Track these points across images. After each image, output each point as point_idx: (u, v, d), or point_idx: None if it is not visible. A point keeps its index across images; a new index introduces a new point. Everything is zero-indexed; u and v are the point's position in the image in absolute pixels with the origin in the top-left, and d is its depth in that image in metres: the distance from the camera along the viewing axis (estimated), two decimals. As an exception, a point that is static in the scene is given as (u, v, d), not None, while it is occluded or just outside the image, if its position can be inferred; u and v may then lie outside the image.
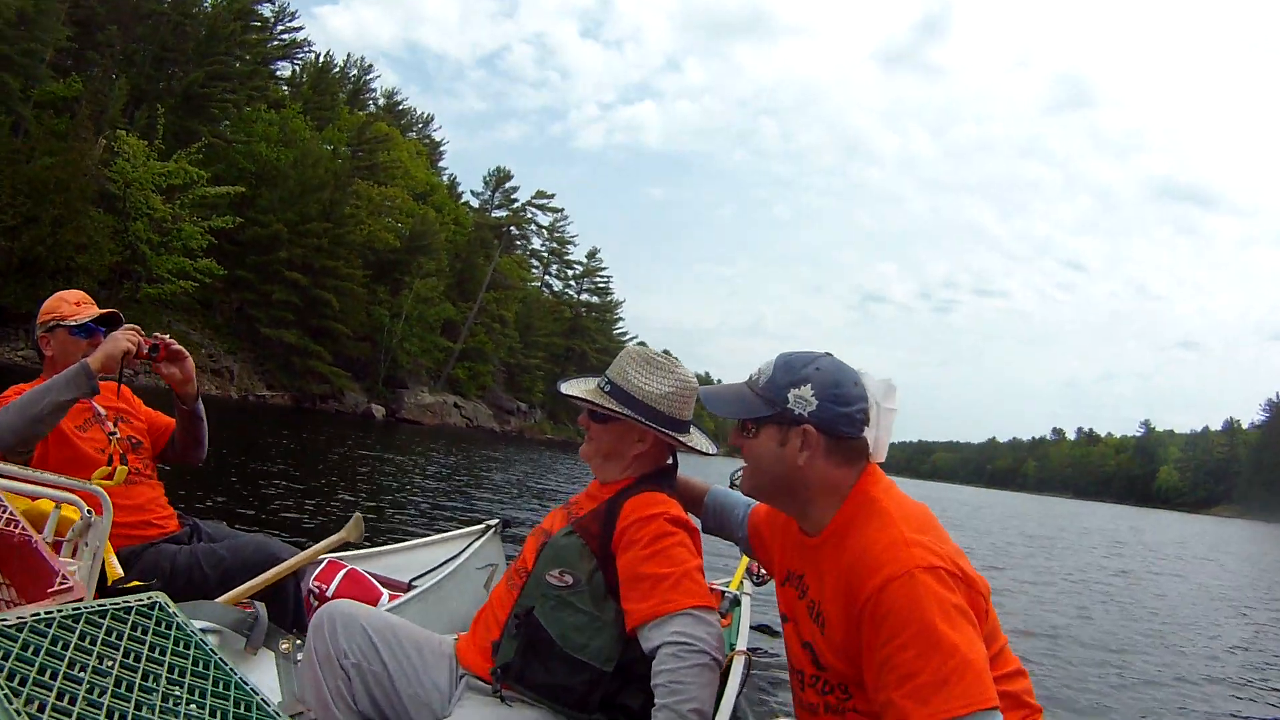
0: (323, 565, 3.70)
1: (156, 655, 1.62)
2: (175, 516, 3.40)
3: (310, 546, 3.27)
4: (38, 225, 29.75)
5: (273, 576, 3.04)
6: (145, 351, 3.02)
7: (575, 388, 2.48)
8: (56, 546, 2.31)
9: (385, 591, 3.92)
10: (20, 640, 1.38)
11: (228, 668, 1.70)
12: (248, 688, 1.69)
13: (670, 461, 2.54)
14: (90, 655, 1.48)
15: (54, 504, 2.39)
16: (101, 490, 2.43)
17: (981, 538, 22.55)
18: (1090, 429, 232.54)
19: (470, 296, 61.75)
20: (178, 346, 3.14)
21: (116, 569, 2.73)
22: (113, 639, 1.56)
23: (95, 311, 3.29)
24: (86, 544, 2.36)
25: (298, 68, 56.96)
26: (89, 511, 2.37)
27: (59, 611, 1.50)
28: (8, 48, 31.04)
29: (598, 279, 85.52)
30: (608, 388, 2.41)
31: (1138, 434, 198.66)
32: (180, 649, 1.70)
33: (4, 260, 30.12)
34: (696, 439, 2.48)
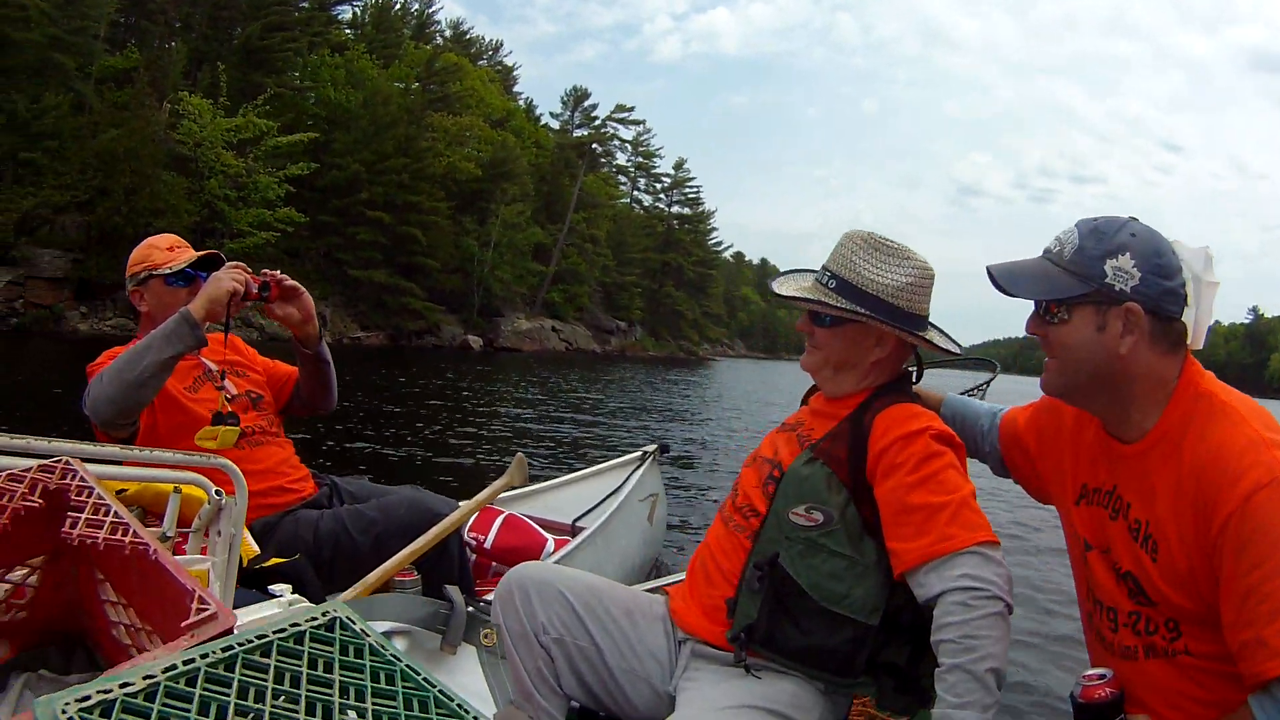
0: (477, 514, 3.33)
1: (323, 674, 1.17)
2: (310, 477, 3.10)
3: (466, 498, 2.98)
4: (110, 196, 29.98)
5: (434, 538, 2.75)
6: (255, 291, 2.71)
7: (790, 285, 2.15)
8: (181, 541, 2.01)
9: (550, 537, 3.72)
10: (155, 712, 0.94)
11: (420, 678, 1.28)
12: (453, 704, 1.27)
13: (909, 367, 2.23)
14: (248, 698, 1.03)
15: (172, 486, 2.00)
16: (231, 464, 2.05)
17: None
18: None
19: (558, 219, 61.57)
20: (291, 282, 2.84)
21: (252, 546, 2.36)
22: (284, 684, 1.10)
23: (192, 255, 2.96)
24: (219, 533, 2.00)
25: (358, 9, 56.63)
26: (217, 492, 1.99)
27: (203, 658, 1.03)
28: (58, 29, 31.09)
29: (687, 189, 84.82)
30: (833, 284, 2.06)
31: (1246, 321, 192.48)
32: (358, 660, 1.26)
33: (82, 235, 30.57)
34: (937, 337, 2.16)
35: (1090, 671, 1.65)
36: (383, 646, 1.31)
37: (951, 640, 1.73)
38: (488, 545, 3.54)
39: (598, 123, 74.30)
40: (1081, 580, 1.85)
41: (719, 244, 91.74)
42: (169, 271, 2.88)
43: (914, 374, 2.25)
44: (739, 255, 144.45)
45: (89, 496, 1.34)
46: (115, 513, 1.32)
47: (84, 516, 1.29)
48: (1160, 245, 1.63)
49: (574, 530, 3.99)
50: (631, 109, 75.43)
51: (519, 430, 12.35)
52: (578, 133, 72.24)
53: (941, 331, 2.18)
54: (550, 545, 3.63)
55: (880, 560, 1.90)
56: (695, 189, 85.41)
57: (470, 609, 2.49)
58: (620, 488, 4.48)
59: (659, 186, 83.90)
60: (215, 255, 2.98)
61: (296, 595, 1.98)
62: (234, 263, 2.72)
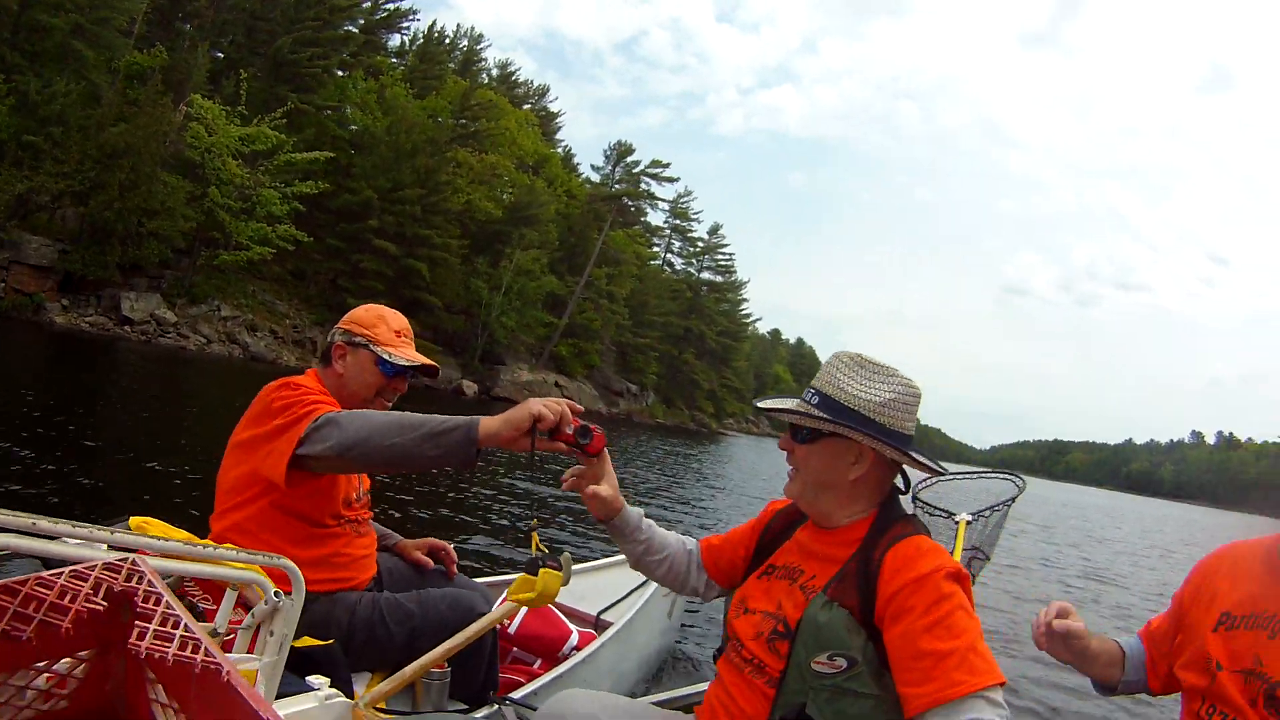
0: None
1: None
2: (375, 566, 3.13)
3: (489, 574, 3.18)
4: (105, 190, 30.16)
5: (471, 637, 2.71)
6: (569, 433, 2.33)
7: (775, 403, 2.24)
8: (229, 639, 2.01)
9: (574, 629, 3.74)
10: None
11: None
12: None
13: (899, 486, 2.28)
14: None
15: (229, 584, 2.03)
16: (293, 566, 2.04)
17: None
18: (1231, 433, 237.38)
19: (579, 272, 61.59)
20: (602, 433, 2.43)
21: None
22: None
23: (414, 354, 3.01)
24: (272, 633, 2.00)
25: (406, 37, 57.58)
26: (276, 593, 1.99)
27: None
28: (81, 17, 31.59)
29: (719, 256, 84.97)
30: (815, 399, 2.15)
31: None
32: None
33: (75, 226, 30.81)
34: (921, 456, 2.20)
35: None
36: None
37: None
38: (511, 630, 3.58)
39: (634, 175, 74.55)
40: (1196, 679, 2.00)
41: (748, 315, 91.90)
42: (390, 360, 2.90)
43: (902, 492, 2.28)
44: (776, 332, 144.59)
45: (156, 604, 1.30)
46: (186, 625, 1.27)
47: (152, 628, 1.23)
48: None
49: (598, 624, 4.05)
50: (668, 165, 75.51)
51: (517, 502, 11.75)
52: (615, 188, 72.56)
53: (923, 456, 2.21)
54: (574, 639, 3.65)
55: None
56: (728, 256, 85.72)
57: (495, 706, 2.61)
58: (646, 583, 4.48)
59: (692, 250, 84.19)
60: (434, 369, 3.04)
61: (333, 690, 2.12)
62: (565, 400, 2.39)
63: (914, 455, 2.15)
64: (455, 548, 3.53)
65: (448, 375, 47.22)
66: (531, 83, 77.66)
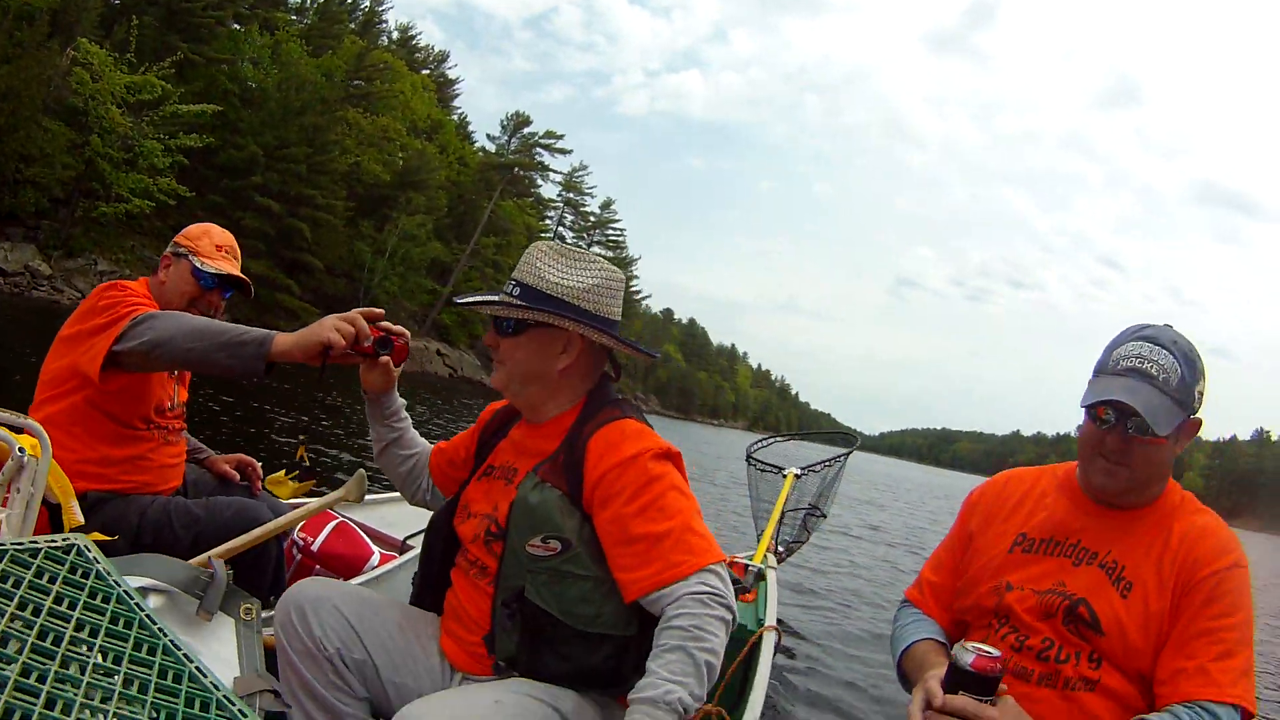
0: (333, 525, 3.65)
1: (64, 609, 1.39)
2: (182, 476, 3.26)
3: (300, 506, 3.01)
4: (-20, 135, 29.12)
5: (250, 541, 2.77)
6: (368, 345, 2.34)
7: (474, 297, 2.17)
8: None
9: (377, 550, 3.76)
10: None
11: (155, 627, 1.51)
12: (179, 653, 1.49)
13: (609, 373, 2.25)
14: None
15: None
16: (39, 426, 2.22)
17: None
18: None
19: (468, 240, 61.32)
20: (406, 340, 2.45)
21: (77, 516, 2.38)
22: (8, 585, 1.34)
23: (234, 269, 3.14)
24: (19, 489, 2.08)
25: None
26: (21, 450, 2.10)
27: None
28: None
29: (610, 231, 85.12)
30: (517, 291, 2.08)
31: None
32: (98, 602, 1.49)
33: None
34: (631, 341, 2.20)
35: (984, 646, 1.68)
36: (128, 593, 1.52)
37: (681, 628, 1.79)
38: (315, 549, 3.56)
39: (529, 145, 74.02)
40: (1029, 613, 1.98)
41: (639, 293, 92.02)
42: (205, 270, 3.03)
43: (613, 379, 2.25)
44: (668, 312, 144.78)
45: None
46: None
47: None
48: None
49: (402, 547, 3.98)
50: (561, 136, 74.98)
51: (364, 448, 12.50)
52: (509, 158, 71.79)
53: (633, 342, 2.20)
54: (375, 559, 3.65)
55: None
56: (619, 231, 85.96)
57: (233, 586, 2.49)
58: None
59: (584, 225, 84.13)
60: (248, 284, 3.16)
61: None
62: (366, 310, 2.39)
63: (623, 340, 2.13)
64: (270, 466, 3.67)
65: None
66: (431, 48, 76.53)
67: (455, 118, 72.19)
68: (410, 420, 2.56)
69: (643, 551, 1.89)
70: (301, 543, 3.57)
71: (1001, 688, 1.67)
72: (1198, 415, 1.97)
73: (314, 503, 3.00)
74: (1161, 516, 1.98)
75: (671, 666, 1.74)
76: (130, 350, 2.56)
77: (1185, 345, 1.96)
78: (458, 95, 77.74)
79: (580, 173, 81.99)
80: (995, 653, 1.65)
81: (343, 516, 3.76)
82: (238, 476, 3.49)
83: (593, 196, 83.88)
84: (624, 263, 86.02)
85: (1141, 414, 1.84)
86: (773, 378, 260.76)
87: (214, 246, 3.10)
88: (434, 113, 64.06)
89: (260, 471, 3.56)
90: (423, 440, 2.59)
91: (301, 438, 3.81)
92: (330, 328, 2.31)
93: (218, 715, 1.40)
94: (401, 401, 2.52)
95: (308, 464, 3.32)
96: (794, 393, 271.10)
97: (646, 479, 1.94)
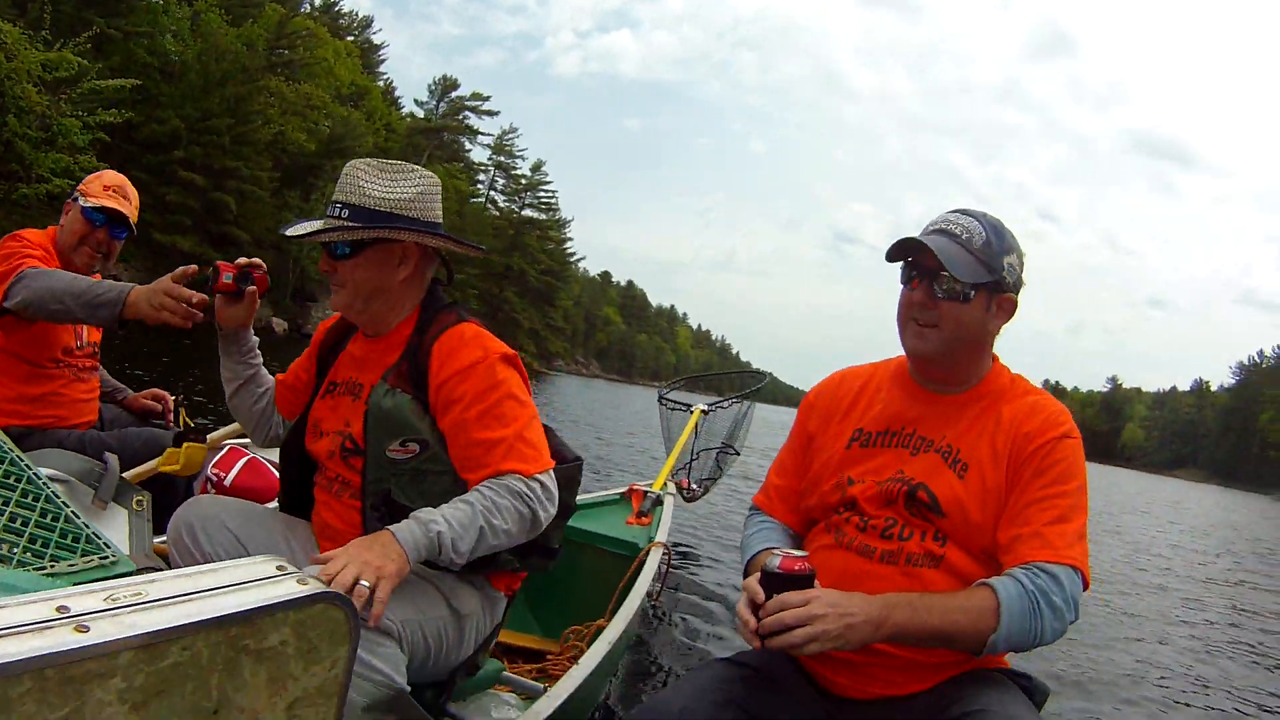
0: (224, 452, 3.67)
1: None
2: (97, 411, 3.44)
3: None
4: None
5: (154, 467, 2.92)
6: (229, 282, 2.35)
7: (302, 227, 2.17)
8: None
9: None
10: None
11: (59, 500, 1.65)
12: (79, 520, 1.63)
13: (439, 277, 2.34)
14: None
15: None
16: None
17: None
18: (1057, 381, 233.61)
19: (396, 207, 59.73)
20: (264, 269, 2.47)
21: None
22: None
23: (122, 207, 3.24)
24: None
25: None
26: None
27: None
28: None
29: (541, 193, 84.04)
30: (345, 213, 2.10)
31: (1104, 390, 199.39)
32: (10, 482, 1.66)
33: None
34: (459, 238, 2.29)
35: (791, 550, 1.76)
36: (36, 475, 1.69)
37: (483, 495, 1.95)
38: (227, 483, 3.60)
39: (457, 108, 73.62)
40: (831, 499, 2.04)
41: (573, 254, 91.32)
42: (86, 204, 3.17)
43: (444, 283, 2.34)
44: (606, 274, 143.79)
45: None
46: None
47: None
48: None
49: None
50: (488, 98, 74.98)
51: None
52: (437, 122, 71.48)
53: (459, 238, 2.27)
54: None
55: None
56: (551, 193, 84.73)
57: (123, 478, 2.61)
58: None
59: (515, 188, 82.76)
60: (125, 218, 3.24)
61: None
62: (174, 274, 2.53)
63: (453, 238, 2.21)
64: (192, 406, 3.73)
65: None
66: (355, 14, 75.18)
67: (381, 84, 71.08)
68: (261, 358, 2.55)
69: (478, 456, 2.03)
70: (215, 478, 3.62)
71: (816, 585, 1.74)
72: (1011, 294, 2.00)
73: (218, 431, 3.36)
74: (992, 399, 2.01)
75: (453, 511, 1.90)
76: (15, 308, 2.80)
77: (996, 221, 2.00)
78: (384, 61, 76.93)
79: (510, 135, 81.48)
80: (801, 554, 1.74)
81: (253, 453, 3.83)
82: (159, 407, 3.67)
83: (524, 159, 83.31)
84: (557, 225, 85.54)
85: (938, 255, 1.88)
86: (713, 338, 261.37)
87: (102, 187, 3.20)
88: (359, 79, 63.22)
89: (172, 404, 3.71)
90: (271, 377, 2.58)
91: (180, 398, 3.71)
92: (159, 308, 2.50)
93: (104, 563, 1.60)
94: (255, 339, 2.52)
95: (192, 425, 3.39)
96: (735, 352, 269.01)
97: (485, 385, 2.05)
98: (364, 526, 2.10)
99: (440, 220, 2.20)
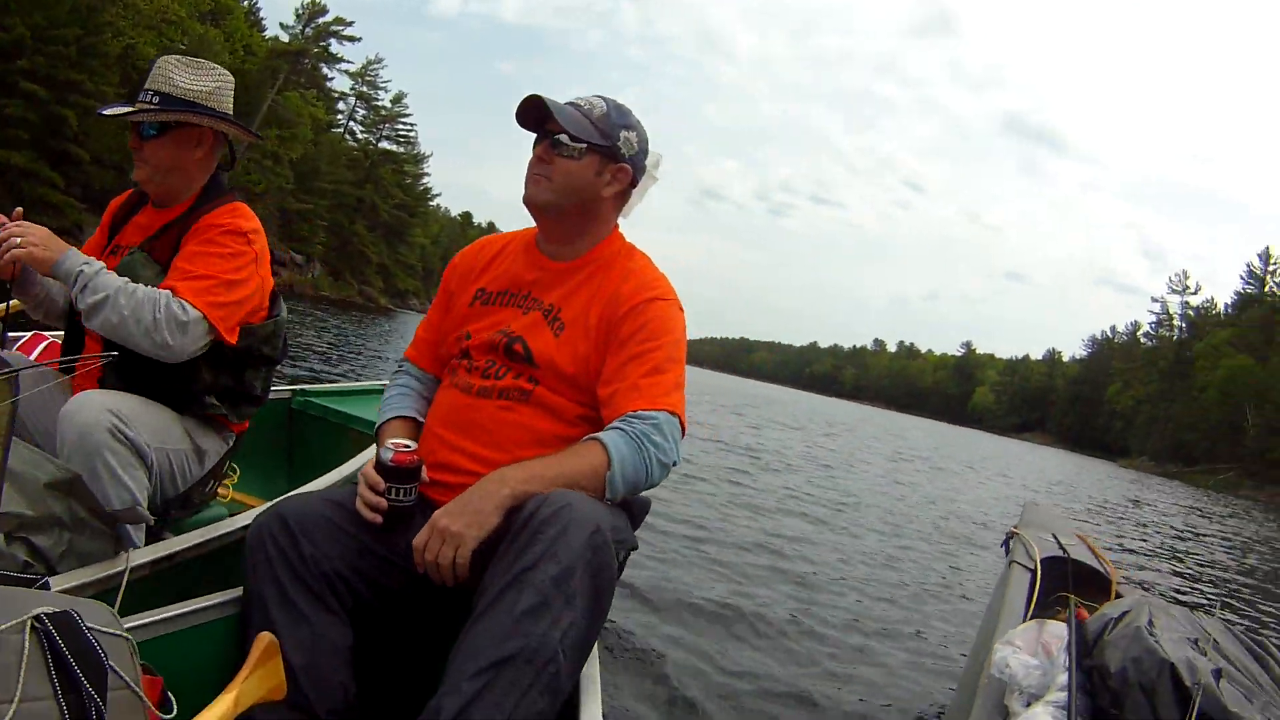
0: (25, 339, 3.83)
1: None
2: None
3: None
4: None
5: None
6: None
7: (116, 109, 2.50)
8: None
9: None
10: None
11: None
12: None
13: (222, 163, 2.69)
14: None
15: None
16: None
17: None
18: (912, 344, 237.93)
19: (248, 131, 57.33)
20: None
21: None
22: None
23: None
24: None
25: None
26: None
27: None
28: None
29: (400, 125, 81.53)
30: (156, 100, 2.45)
31: (958, 353, 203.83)
32: None
33: None
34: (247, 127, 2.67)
35: (397, 441, 2.00)
36: None
37: (145, 289, 2.30)
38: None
39: (316, 32, 70.64)
40: (478, 344, 2.19)
41: (428, 190, 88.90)
42: None
43: (228, 168, 2.70)
44: (467, 215, 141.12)
45: None
46: None
47: None
48: (647, 138, 2.23)
49: None
50: (351, 23, 71.50)
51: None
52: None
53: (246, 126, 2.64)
54: None
55: None
56: (410, 126, 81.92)
57: None
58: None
59: (374, 119, 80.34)
60: None
61: None
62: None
63: (240, 125, 2.60)
64: None
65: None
66: None
67: (245, 3, 68.07)
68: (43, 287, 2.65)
69: (180, 273, 2.40)
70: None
71: (423, 476, 1.99)
72: (627, 166, 2.20)
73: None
74: (600, 265, 2.20)
75: (113, 278, 2.28)
76: None
77: (625, 106, 2.23)
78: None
79: (375, 65, 78.78)
80: (411, 446, 1.98)
81: (53, 338, 3.82)
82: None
83: (386, 91, 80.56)
84: (415, 159, 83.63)
85: (555, 115, 2.08)
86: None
87: None
88: (218, -6, 60.32)
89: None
90: (47, 282, 2.67)
91: None
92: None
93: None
94: (42, 281, 2.60)
95: None
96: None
97: (227, 231, 2.46)
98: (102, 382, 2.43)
99: (231, 112, 2.58)
